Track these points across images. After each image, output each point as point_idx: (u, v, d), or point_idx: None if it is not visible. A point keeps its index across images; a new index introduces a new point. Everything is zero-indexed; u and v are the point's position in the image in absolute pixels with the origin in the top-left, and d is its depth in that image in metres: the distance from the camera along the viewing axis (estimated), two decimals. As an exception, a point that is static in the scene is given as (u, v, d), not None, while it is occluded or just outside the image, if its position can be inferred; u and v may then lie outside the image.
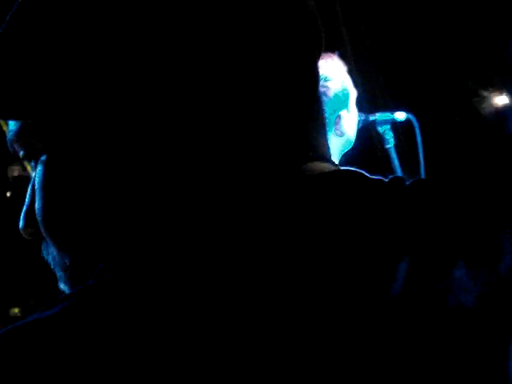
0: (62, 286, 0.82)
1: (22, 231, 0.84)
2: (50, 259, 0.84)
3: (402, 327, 0.68)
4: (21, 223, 0.85)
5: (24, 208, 0.85)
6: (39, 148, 0.81)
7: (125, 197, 0.74)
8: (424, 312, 0.69)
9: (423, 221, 0.74)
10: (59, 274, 0.82)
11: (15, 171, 10.92)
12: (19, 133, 0.83)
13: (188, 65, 0.76)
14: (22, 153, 0.85)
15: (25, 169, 5.56)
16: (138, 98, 0.75)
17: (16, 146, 0.85)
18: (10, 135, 0.85)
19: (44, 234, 0.80)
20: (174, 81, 0.75)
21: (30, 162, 0.85)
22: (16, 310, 8.68)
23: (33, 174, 0.85)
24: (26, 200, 0.84)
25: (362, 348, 0.67)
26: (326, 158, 0.85)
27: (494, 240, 0.72)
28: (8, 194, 11.30)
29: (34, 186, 0.85)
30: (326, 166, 0.82)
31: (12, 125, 0.83)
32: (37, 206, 0.82)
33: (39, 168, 0.82)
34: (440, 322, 0.68)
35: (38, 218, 0.82)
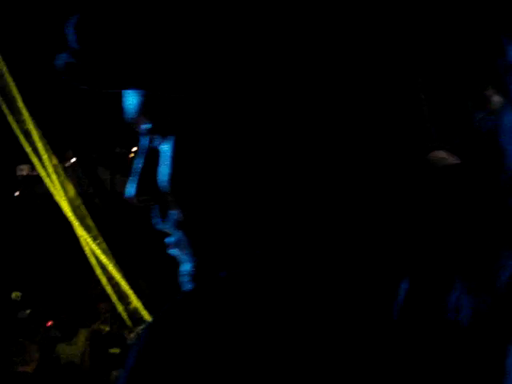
0: (174, 251, 0.83)
1: (131, 198, 0.83)
2: (162, 225, 0.85)
3: (402, 342, 0.69)
4: (132, 191, 0.83)
5: (135, 177, 0.83)
6: (168, 122, 0.82)
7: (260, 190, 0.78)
8: (422, 328, 0.69)
9: (423, 239, 0.75)
10: (177, 237, 0.84)
11: (24, 171, 11.05)
12: (148, 106, 0.82)
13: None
14: (147, 126, 0.84)
15: (33, 169, 5.58)
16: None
17: (142, 119, 0.84)
18: (135, 108, 0.82)
19: (170, 199, 0.80)
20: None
21: (154, 134, 0.83)
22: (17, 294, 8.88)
23: (150, 145, 0.84)
24: (137, 170, 0.83)
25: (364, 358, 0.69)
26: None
27: (491, 256, 0.70)
28: (16, 193, 11.43)
29: (148, 157, 0.84)
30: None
31: (138, 98, 0.83)
32: (163, 174, 0.81)
33: (169, 140, 0.82)
34: (438, 339, 0.68)
35: (164, 185, 0.82)
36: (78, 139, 9.94)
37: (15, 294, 8.94)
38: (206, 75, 0.79)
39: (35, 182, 9.35)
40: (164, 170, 0.83)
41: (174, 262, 0.88)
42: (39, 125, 3.74)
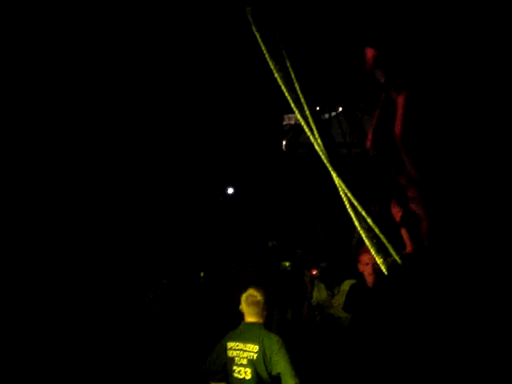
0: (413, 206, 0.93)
1: (369, 150, 0.97)
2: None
3: None
4: (368, 143, 0.97)
5: (372, 132, 0.96)
6: (401, 77, 0.91)
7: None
8: None
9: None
10: (414, 187, 0.92)
11: (292, 119, 11.41)
12: (383, 60, 0.94)
13: None
14: (382, 79, 0.96)
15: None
16: None
17: (378, 72, 0.96)
18: (372, 61, 0.94)
19: (403, 152, 0.90)
20: None
21: (388, 88, 0.94)
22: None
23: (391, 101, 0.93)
24: (375, 125, 0.96)
25: None
26: None
27: None
28: (284, 141, 11.83)
29: (384, 110, 0.95)
30: None
31: (375, 52, 0.95)
32: (397, 127, 0.91)
33: (403, 94, 0.92)
34: None
35: (397, 137, 0.92)
36: (344, 89, 10.01)
37: (271, 243, 9.37)
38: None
39: (302, 131, 9.61)
40: (398, 123, 0.88)
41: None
42: (301, 75, 3.75)
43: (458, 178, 0.75)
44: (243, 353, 5.03)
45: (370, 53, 0.83)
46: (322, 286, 7.45)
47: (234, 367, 5.03)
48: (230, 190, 12.43)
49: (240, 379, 4.99)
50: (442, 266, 0.74)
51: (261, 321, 5.18)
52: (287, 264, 8.70)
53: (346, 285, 6.76)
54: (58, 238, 7.79)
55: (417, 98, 0.79)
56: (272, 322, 7.73)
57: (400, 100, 0.81)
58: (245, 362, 5.01)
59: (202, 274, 9.34)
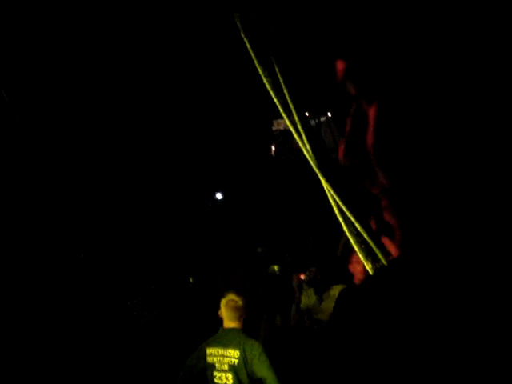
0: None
1: (341, 161, 0.96)
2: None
3: None
4: (341, 154, 0.95)
5: (344, 142, 0.94)
6: (372, 88, 0.90)
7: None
8: None
9: None
10: (386, 198, 0.91)
11: (280, 125, 11.44)
12: (353, 72, 0.93)
13: None
14: (353, 91, 0.95)
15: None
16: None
17: (349, 84, 0.95)
18: (343, 76, 0.93)
19: (375, 163, 0.89)
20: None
21: (358, 100, 0.93)
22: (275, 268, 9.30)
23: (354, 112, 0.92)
24: (347, 136, 0.94)
25: None
26: None
27: None
28: (272, 147, 11.84)
29: (355, 121, 0.94)
30: None
31: (345, 65, 0.95)
32: (369, 138, 0.90)
33: (374, 105, 0.91)
34: None
35: (369, 148, 0.91)
36: (332, 95, 10.05)
37: (260, 249, 9.39)
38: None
39: (290, 137, 9.64)
40: (370, 134, 0.87)
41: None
42: (290, 80, 3.76)
43: (430, 188, 0.76)
44: (224, 358, 5.02)
45: (340, 65, 0.83)
46: (311, 290, 7.44)
47: (215, 373, 5.02)
48: (219, 196, 12.43)
49: None
50: (415, 274, 0.75)
51: (240, 326, 5.18)
52: (276, 268, 8.70)
53: (335, 290, 6.76)
54: (47, 240, 7.77)
55: (388, 110, 0.78)
56: (260, 326, 7.72)
57: (371, 111, 0.81)
58: (226, 367, 5.00)
59: (190, 280, 9.33)
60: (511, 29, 0.79)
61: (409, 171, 0.86)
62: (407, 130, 0.86)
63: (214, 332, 5.25)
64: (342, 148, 0.91)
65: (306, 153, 3.70)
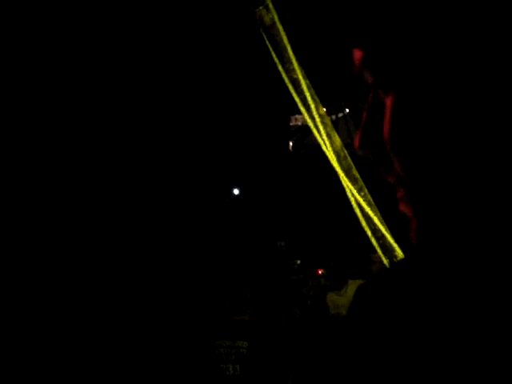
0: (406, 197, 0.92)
1: (357, 150, 0.95)
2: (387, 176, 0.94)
3: None
4: (357, 143, 0.91)
5: (360, 131, 0.94)
6: (389, 77, 0.86)
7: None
8: None
9: None
10: (402, 187, 0.91)
11: (298, 120, 11.42)
12: (371, 61, 0.88)
13: None
14: (370, 80, 0.94)
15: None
16: None
17: (366, 73, 0.94)
18: (361, 65, 0.92)
19: (391, 152, 0.89)
20: None
21: (376, 89, 0.89)
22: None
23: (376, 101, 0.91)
24: (363, 125, 0.93)
25: None
26: None
27: None
28: (290, 143, 11.82)
29: (372, 110, 0.93)
30: None
31: (362, 53, 0.94)
32: (385, 127, 0.89)
33: (391, 95, 0.86)
34: None
35: (385, 137, 0.91)
36: (351, 90, 10.01)
37: (280, 243, 9.42)
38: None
39: (309, 132, 9.62)
40: (386, 123, 0.86)
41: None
42: (308, 75, 3.76)
43: (447, 178, 0.75)
44: (232, 349, 5.06)
45: (357, 54, 0.82)
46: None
47: (222, 365, 5.05)
48: (236, 191, 12.44)
49: (229, 375, 5.01)
50: (431, 266, 0.75)
51: (247, 317, 5.24)
52: (298, 262, 8.75)
53: (352, 284, 6.77)
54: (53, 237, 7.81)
55: (405, 99, 0.77)
56: (280, 320, 7.73)
57: (388, 101, 0.80)
58: (233, 358, 5.03)
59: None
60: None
61: (425, 161, 0.87)
62: (424, 119, 0.86)
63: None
64: (357, 137, 0.91)
65: (324, 148, 3.70)
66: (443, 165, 0.85)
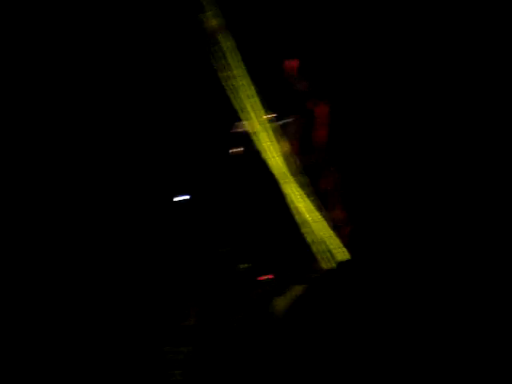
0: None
1: (295, 158, 0.99)
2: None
3: None
4: (295, 151, 0.99)
5: (298, 139, 0.97)
6: (323, 86, 0.93)
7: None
8: None
9: None
10: (336, 193, 0.96)
11: (240, 127, 11.44)
12: (305, 69, 0.96)
13: None
14: (305, 89, 0.98)
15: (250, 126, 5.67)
16: None
17: (300, 83, 0.98)
18: (294, 70, 0.95)
19: (326, 159, 0.93)
20: None
21: (311, 98, 0.97)
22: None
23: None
24: (300, 133, 0.97)
25: None
26: None
27: None
28: (232, 150, 11.82)
29: (308, 120, 0.97)
30: None
31: (297, 62, 0.97)
32: (319, 135, 0.93)
33: (325, 103, 0.94)
34: None
35: (320, 145, 0.95)
36: (295, 97, 10.08)
37: (223, 249, 9.41)
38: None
39: (251, 139, 9.65)
40: (322, 131, 0.90)
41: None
42: (256, 82, 3.79)
43: (379, 183, 0.78)
44: (178, 355, 5.04)
45: (292, 64, 0.85)
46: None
47: (168, 371, 5.02)
48: (181, 197, 12.39)
49: (175, 381, 5.00)
50: (365, 270, 0.79)
51: (193, 323, 5.23)
52: (244, 267, 8.74)
53: (295, 289, 6.81)
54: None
55: (339, 107, 0.81)
56: (225, 325, 7.74)
57: (322, 109, 0.84)
58: (179, 363, 5.01)
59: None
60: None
61: (359, 167, 0.92)
62: (357, 126, 0.91)
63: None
64: (295, 145, 0.95)
65: (265, 154, 3.73)
66: (375, 171, 0.90)
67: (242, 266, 8.78)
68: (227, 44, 4.06)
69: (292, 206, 3.65)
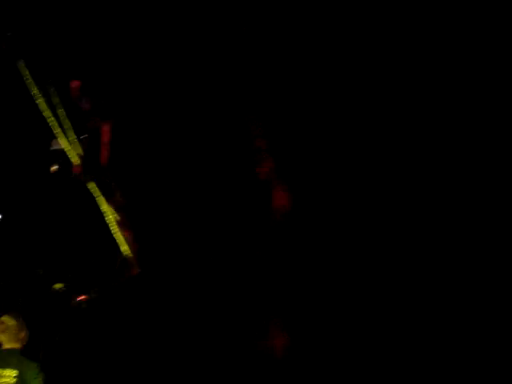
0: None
1: (76, 176, 1.02)
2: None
3: None
4: (78, 170, 1.02)
5: (81, 158, 1.02)
6: (107, 105, 0.97)
7: None
8: None
9: None
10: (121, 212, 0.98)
11: (57, 145, 11.28)
12: (88, 88, 0.99)
13: None
14: (88, 108, 1.02)
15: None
16: None
17: (84, 102, 1.02)
18: (78, 93, 0.99)
19: (111, 178, 0.96)
20: None
21: (94, 117, 1.01)
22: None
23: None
24: (84, 151, 1.02)
25: None
26: None
27: None
28: (52, 168, 11.66)
29: (91, 139, 1.01)
30: None
31: (81, 82, 1.00)
32: (103, 155, 0.96)
33: (109, 122, 0.98)
34: None
35: (103, 164, 0.98)
36: (80, 117, 10.11)
37: (40, 271, 9.26)
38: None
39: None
40: (104, 150, 0.97)
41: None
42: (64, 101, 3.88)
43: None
44: (1, 379, 4.95)
45: (74, 83, 0.89)
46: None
47: None
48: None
49: None
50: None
51: (19, 346, 5.14)
52: (59, 286, 8.60)
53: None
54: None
55: (122, 126, 0.86)
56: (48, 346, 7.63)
57: (105, 128, 0.89)
58: None
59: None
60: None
61: (142, 187, 0.96)
62: (141, 145, 0.96)
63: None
64: (79, 165, 0.98)
65: (77, 172, 3.80)
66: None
67: (58, 286, 8.64)
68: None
69: (106, 219, 3.77)
